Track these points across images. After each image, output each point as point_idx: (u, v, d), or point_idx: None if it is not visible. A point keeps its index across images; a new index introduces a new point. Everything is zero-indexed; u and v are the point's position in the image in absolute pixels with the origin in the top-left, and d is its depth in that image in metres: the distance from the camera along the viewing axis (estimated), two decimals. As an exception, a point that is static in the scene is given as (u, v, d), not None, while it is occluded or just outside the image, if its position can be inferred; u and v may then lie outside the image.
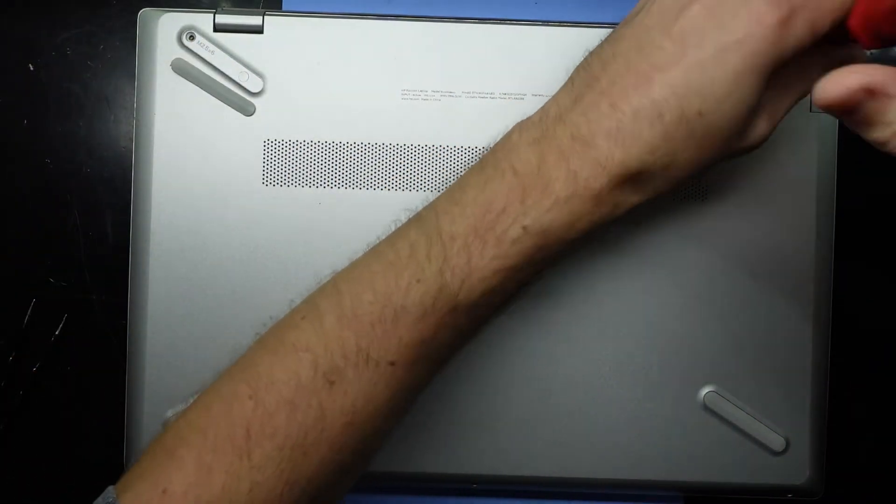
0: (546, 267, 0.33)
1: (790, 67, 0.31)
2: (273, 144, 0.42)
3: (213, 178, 0.41)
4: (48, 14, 0.45)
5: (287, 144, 0.42)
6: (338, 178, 0.42)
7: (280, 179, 0.41)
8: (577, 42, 0.42)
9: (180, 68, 0.41)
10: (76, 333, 0.45)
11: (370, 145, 0.42)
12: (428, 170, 0.42)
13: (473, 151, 0.42)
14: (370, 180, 0.42)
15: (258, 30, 0.42)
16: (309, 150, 0.42)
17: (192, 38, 0.41)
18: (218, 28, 0.42)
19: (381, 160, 0.42)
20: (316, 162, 0.42)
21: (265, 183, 0.41)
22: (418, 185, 0.42)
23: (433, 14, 0.44)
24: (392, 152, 0.42)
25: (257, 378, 0.31)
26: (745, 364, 0.42)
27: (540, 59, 0.42)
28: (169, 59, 0.41)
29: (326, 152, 0.42)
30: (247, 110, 0.41)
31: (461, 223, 0.32)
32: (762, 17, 0.29)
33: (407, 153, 0.42)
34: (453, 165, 0.42)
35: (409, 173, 0.42)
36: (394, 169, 0.42)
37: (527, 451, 0.42)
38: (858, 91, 0.26)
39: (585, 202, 0.31)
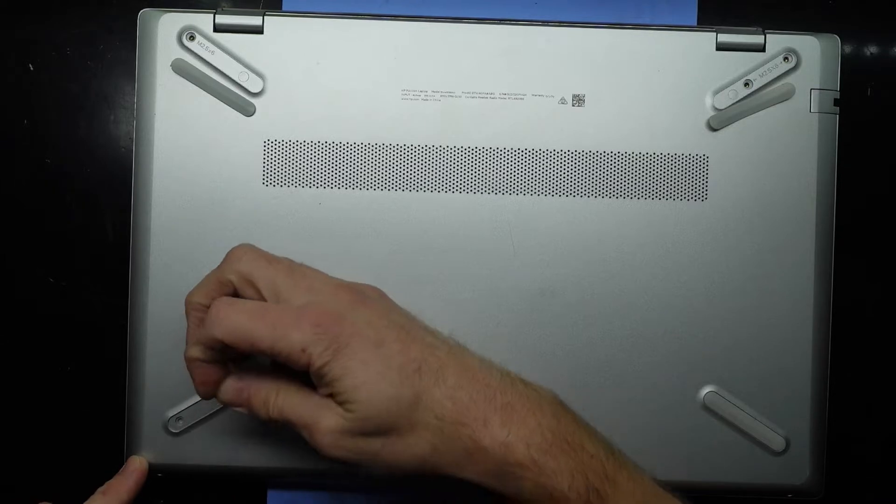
0: None
1: None
2: (273, 144, 0.41)
3: (213, 178, 0.41)
4: (48, 14, 0.45)
5: (287, 144, 0.42)
6: (338, 178, 0.42)
7: (280, 179, 0.41)
8: (577, 42, 0.42)
9: (180, 68, 0.41)
10: (76, 333, 0.45)
11: (370, 145, 0.42)
12: (428, 170, 0.42)
13: (473, 151, 0.42)
14: (370, 180, 0.42)
15: (258, 30, 0.42)
16: (309, 150, 0.42)
17: (192, 38, 0.41)
18: (218, 28, 0.42)
19: (381, 160, 0.42)
20: (316, 162, 0.42)
21: (265, 183, 0.41)
22: (418, 185, 0.42)
23: (433, 14, 0.44)
24: (392, 152, 0.42)
25: None
26: (745, 364, 0.42)
27: (540, 59, 0.42)
28: (169, 59, 0.41)
29: (326, 152, 0.42)
30: (247, 110, 0.41)
31: None
32: None
33: (407, 153, 0.42)
34: (453, 165, 0.42)
35: (409, 173, 0.42)
36: (394, 169, 0.42)
37: (527, 451, 0.42)
38: None
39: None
